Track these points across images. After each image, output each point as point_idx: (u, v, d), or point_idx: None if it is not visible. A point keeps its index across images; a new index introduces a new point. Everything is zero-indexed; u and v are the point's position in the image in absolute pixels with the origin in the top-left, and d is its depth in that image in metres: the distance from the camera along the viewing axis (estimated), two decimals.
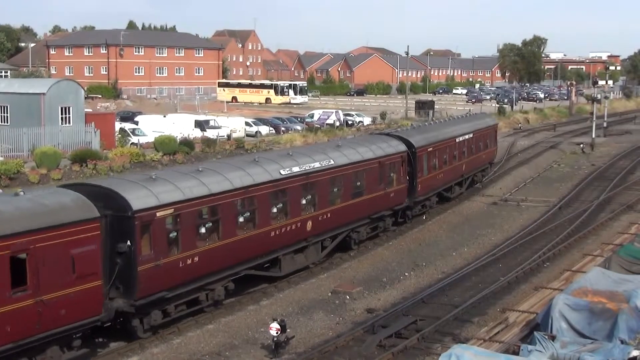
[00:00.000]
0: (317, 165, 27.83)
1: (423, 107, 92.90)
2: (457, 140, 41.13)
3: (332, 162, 28.75)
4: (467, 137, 42.76)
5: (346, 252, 30.77)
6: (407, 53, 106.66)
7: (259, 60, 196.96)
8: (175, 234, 21.36)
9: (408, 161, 34.41)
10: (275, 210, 25.56)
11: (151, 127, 58.35)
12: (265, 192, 24.90)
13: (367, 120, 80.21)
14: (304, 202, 27.02)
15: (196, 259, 21.85)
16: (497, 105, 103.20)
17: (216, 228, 22.92)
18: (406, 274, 28.74)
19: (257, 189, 24.45)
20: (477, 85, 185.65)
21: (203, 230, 22.56)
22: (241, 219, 24.01)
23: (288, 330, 21.07)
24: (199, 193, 22.22)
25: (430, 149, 36.89)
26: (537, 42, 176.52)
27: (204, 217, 22.74)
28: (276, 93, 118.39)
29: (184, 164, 43.57)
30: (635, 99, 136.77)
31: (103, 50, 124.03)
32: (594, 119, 68.69)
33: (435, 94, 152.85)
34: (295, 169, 26.65)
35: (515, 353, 16.49)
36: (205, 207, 22.61)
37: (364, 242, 32.16)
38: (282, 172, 25.92)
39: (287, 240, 26.11)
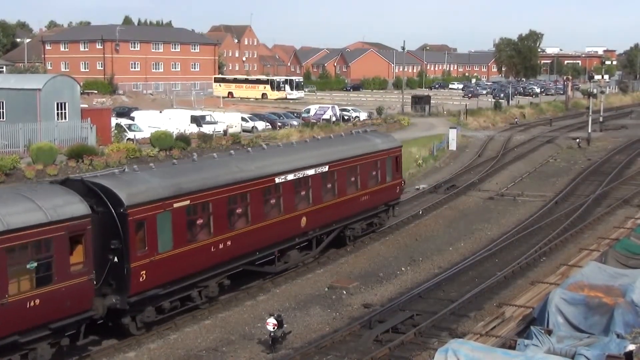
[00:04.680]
0: None
1: (419, 102, 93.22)
2: (278, 180, 25.85)
3: None
4: (311, 172, 27.61)
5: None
6: (403, 48, 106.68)
7: (255, 56, 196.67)
8: None
9: (107, 232, 19.82)
10: None
11: (147, 123, 58.35)
12: None
13: (363, 116, 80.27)
14: None
15: None
16: (493, 100, 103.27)
17: None
18: (403, 269, 28.74)
19: None
20: (474, 80, 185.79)
21: None
22: None
23: (285, 325, 21.06)
24: None
25: (185, 202, 21.86)
26: (533, 37, 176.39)
27: None
28: (272, 88, 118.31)
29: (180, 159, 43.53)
30: (632, 94, 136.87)
31: (99, 46, 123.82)
32: (590, 113, 68.66)
33: (431, 89, 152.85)
34: None
35: (512, 347, 16.50)
36: None
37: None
38: None
39: None
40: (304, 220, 27.16)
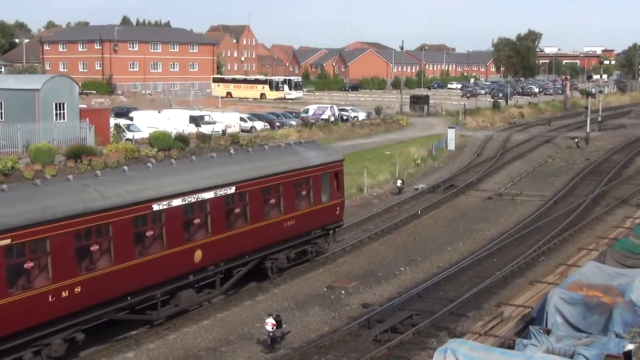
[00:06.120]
0: None
1: (418, 101, 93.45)
2: (157, 207, 20.87)
3: None
4: (210, 195, 22.65)
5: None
6: (402, 48, 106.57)
7: (254, 56, 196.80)
8: None
9: None
10: None
11: (146, 123, 58.39)
12: None
13: (362, 115, 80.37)
14: None
15: None
16: (491, 99, 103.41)
17: None
18: (402, 268, 28.74)
19: None
20: (472, 80, 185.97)
21: None
22: None
23: (284, 325, 21.05)
24: None
25: (4, 241, 17.13)
26: (532, 37, 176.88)
27: None
28: (271, 88, 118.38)
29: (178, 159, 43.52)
30: (630, 93, 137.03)
31: (97, 46, 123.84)
32: (589, 113, 68.73)
33: (430, 89, 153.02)
34: None
35: (511, 347, 16.51)
36: None
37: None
38: None
39: None
40: (198, 253, 22.29)
